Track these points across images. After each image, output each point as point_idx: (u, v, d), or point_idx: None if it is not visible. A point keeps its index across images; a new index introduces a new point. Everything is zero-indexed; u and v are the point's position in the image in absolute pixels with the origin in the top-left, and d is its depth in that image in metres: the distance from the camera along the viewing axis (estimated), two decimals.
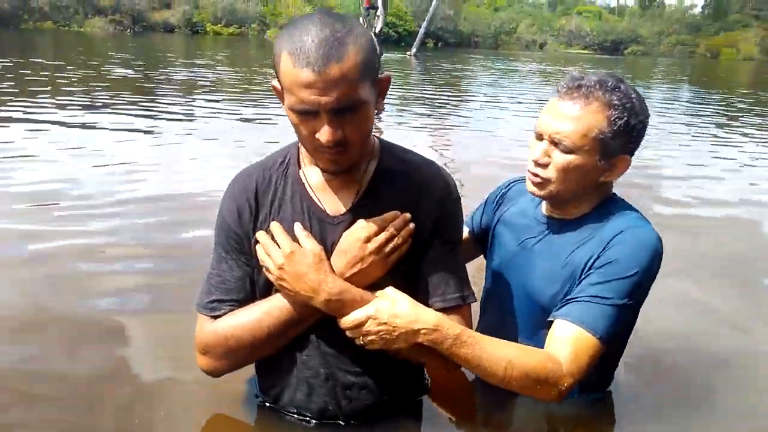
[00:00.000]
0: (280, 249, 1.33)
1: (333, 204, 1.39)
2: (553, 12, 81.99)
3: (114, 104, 7.75)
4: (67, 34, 31.63)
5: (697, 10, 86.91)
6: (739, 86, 20.51)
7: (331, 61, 1.13)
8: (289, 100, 1.20)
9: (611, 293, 1.42)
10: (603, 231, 1.50)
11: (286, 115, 1.25)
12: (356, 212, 1.37)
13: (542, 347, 1.47)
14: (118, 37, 32.52)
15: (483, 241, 1.84)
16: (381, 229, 1.34)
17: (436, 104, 10.30)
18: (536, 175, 1.52)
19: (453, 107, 10.34)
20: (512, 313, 1.66)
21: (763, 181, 5.68)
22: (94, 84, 10.16)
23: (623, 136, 1.45)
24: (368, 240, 1.33)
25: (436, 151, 6.27)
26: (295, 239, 1.34)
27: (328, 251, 1.35)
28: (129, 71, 12.94)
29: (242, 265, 1.42)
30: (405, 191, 1.39)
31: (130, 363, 1.99)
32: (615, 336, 1.45)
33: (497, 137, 7.37)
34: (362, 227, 1.34)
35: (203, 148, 5.59)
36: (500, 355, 1.35)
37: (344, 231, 1.36)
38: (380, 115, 7.29)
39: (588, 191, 1.54)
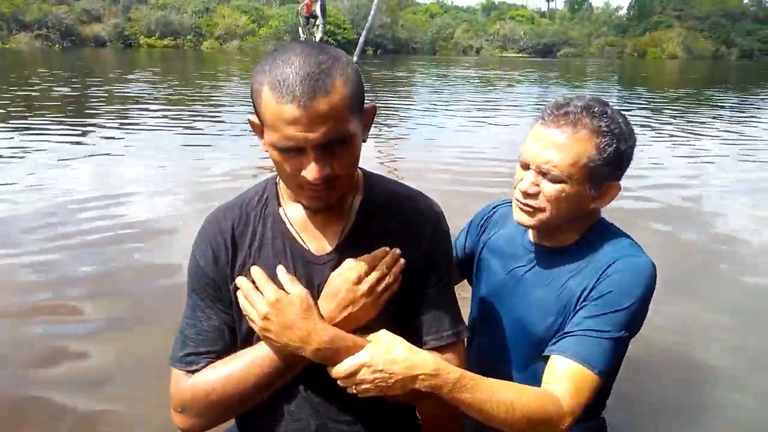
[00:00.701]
0: (263, 297, 1.21)
1: (317, 243, 1.28)
2: (487, 17, 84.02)
3: (46, 127, 7.31)
4: None
5: (623, 11, 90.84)
6: (664, 84, 21.41)
7: (318, 95, 1.03)
8: (271, 137, 1.09)
9: (608, 326, 1.37)
10: (596, 259, 1.45)
11: (265, 151, 1.15)
12: (343, 251, 1.26)
13: (536, 379, 1.41)
14: (46, 53, 31.08)
15: (466, 266, 1.77)
16: (371, 269, 1.23)
17: (384, 114, 10.27)
18: (527, 205, 1.46)
19: (400, 117, 10.33)
20: (503, 345, 1.59)
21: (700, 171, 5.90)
22: (22, 106, 9.63)
23: (613, 163, 1.41)
24: (359, 281, 1.22)
25: (384, 165, 6.21)
26: (278, 284, 1.23)
27: (315, 294, 1.24)
28: (60, 89, 12.38)
29: (219, 313, 1.29)
30: (393, 225, 1.29)
31: (95, 415, 1.82)
32: (611, 368, 1.41)
33: (445, 147, 7.38)
34: (351, 267, 1.23)
35: (145, 171, 5.30)
36: (501, 398, 1.27)
37: (331, 271, 1.25)
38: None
39: (577, 219, 1.49)
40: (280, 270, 1.24)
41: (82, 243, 3.23)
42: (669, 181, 5.52)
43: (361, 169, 1.33)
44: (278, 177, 1.30)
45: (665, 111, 11.96)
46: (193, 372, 1.28)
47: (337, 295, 1.22)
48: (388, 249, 1.26)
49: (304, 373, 1.28)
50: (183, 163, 5.57)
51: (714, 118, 11.09)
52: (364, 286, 1.22)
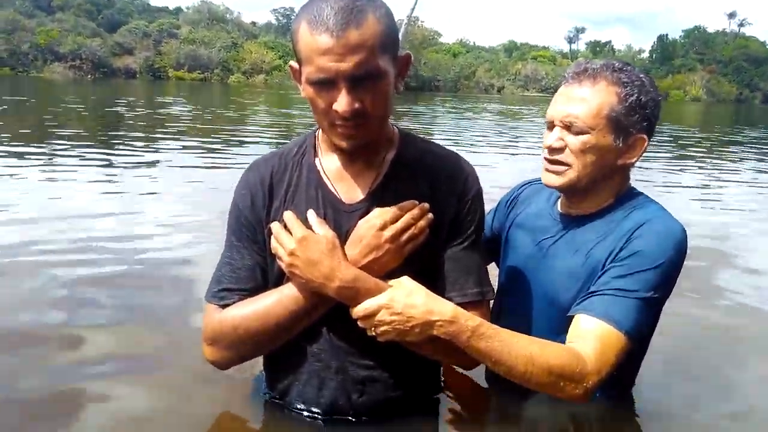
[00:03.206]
0: (292, 235, 1.26)
1: (349, 192, 1.33)
2: (509, 57, 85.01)
3: (77, 155, 7.04)
4: (25, 80, 30.96)
5: (645, 54, 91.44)
6: (689, 125, 21.37)
7: (350, 27, 1.10)
8: (307, 71, 1.16)
9: (637, 285, 1.34)
10: (624, 224, 1.44)
11: (304, 96, 1.21)
12: (372, 201, 1.31)
13: None
14: (79, 82, 31.94)
15: (495, 245, 1.73)
16: (397, 218, 1.28)
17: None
18: (553, 162, 1.46)
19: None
20: (530, 318, 1.55)
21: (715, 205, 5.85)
22: (56, 132, 9.83)
23: (636, 113, 1.42)
24: (384, 228, 1.26)
25: None
26: (308, 227, 1.28)
27: (343, 240, 1.29)
28: (89, 121, 12.59)
29: (254, 254, 1.36)
30: (424, 182, 1.34)
31: (133, 362, 1.89)
32: (641, 331, 1.37)
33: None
34: (378, 215, 1.28)
35: (172, 202, 4.86)
36: (521, 349, 1.26)
37: (359, 219, 1.30)
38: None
39: (607, 177, 1.48)
40: (310, 213, 1.30)
41: (100, 274, 2.95)
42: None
43: (398, 127, 1.40)
44: (318, 130, 1.36)
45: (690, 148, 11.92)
46: (224, 306, 1.34)
47: (362, 240, 1.27)
48: (416, 202, 1.30)
49: (328, 316, 1.32)
50: (209, 193, 5.22)
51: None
52: (388, 233, 1.26)
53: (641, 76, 1.45)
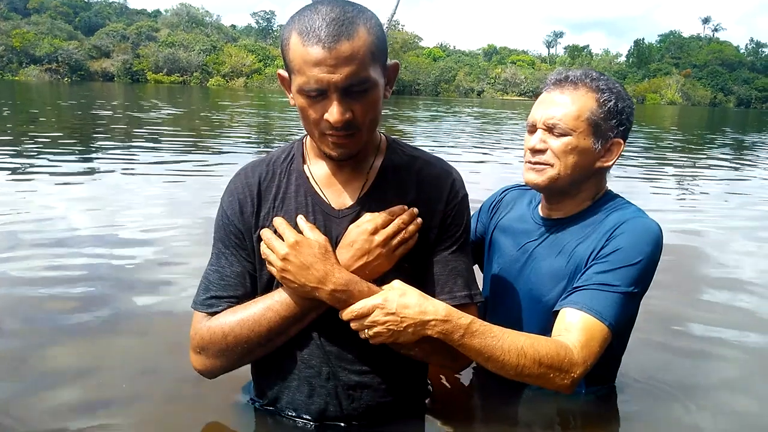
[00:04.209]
0: (284, 240, 1.28)
1: (338, 198, 1.35)
2: (488, 61, 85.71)
3: (50, 160, 6.87)
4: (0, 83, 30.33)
5: (622, 58, 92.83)
6: (666, 127, 21.70)
7: (342, 38, 1.12)
8: (298, 81, 1.17)
9: (618, 280, 1.42)
10: (604, 224, 1.52)
11: (293, 105, 1.23)
12: (362, 206, 1.33)
13: None
14: (55, 85, 31.44)
15: (478, 249, 1.78)
16: (388, 222, 1.30)
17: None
18: (536, 163, 1.53)
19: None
20: (517, 319, 1.60)
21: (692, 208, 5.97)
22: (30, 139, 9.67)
23: (613, 118, 1.51)
24: (375, 232, 1.29)
25: None
26: (299, 232, 1.29)
27: (333, 245, 1.30)
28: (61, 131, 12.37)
29: (242, 260, 1.36)
30: (412, 187, 1.37)
31: (118, 371, 1.87)
32: (622, 324, 1.44)
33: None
34: (368, 220, 1.30)
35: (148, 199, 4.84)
36: (513, 343, 1.31)
37: (350, 225, 1.32)
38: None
39: (585, 179, 1.55)
40: (301, 219, 1.31)
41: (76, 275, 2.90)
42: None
43: (385, 135, 1.42)
44: (305, 137, 1.38)
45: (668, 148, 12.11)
46: (213, 314, 1.35)
47: (353, 245, 1.29)
48: (406, 207, 1.32)
49: (318, 322, 1.33)
50: (187, 200, 5.02)
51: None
52: (379, 237, 1.29)
53: (617, 85, 1.55)
